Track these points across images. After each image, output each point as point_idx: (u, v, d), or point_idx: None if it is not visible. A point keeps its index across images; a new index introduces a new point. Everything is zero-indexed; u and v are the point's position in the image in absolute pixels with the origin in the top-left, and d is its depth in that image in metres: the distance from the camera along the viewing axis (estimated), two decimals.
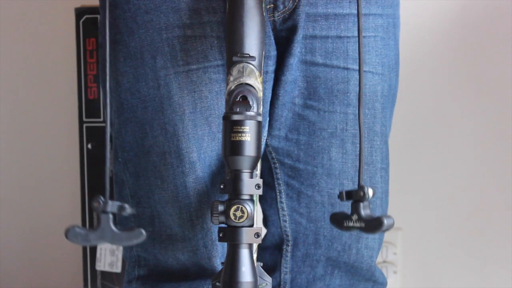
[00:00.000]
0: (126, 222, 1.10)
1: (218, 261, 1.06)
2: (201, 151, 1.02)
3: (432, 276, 1.90)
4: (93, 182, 1.76)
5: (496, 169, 1.82)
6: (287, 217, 1.14)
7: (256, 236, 0.86)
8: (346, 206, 1.09)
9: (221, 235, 0.87)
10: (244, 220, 0.85)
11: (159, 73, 1.01)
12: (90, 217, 1.77)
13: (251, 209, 0.85)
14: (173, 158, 1.02)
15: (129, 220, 1.10)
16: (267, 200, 1.16)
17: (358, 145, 1.08)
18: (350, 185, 1.09)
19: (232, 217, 0.85)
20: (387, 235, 1.16)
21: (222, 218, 0.86)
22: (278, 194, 1.13)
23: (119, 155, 1.08)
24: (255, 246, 0.91)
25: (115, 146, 1.09)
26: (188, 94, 1.01)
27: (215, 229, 1.03)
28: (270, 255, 1.15)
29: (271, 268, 1.15)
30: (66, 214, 1.99)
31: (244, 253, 0.86)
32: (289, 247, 1.15)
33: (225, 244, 1.04)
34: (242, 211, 0.85)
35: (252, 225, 0.86)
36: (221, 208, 0.86)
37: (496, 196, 1.83)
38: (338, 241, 1.12)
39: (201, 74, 1.01)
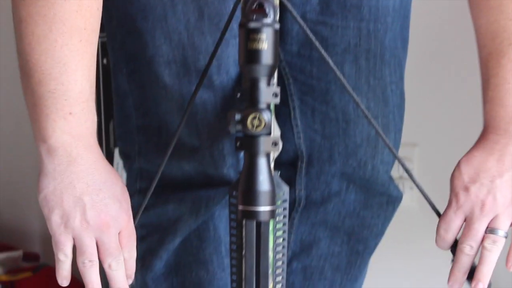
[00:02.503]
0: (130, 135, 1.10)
1: (225, 170, 1.06)
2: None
3: (448, 191, 1.89)
4: (108, 98, 1.75)
5: None
6: (301, 133, 1.14)
7: (273, 145, 0.86)
8: (360, 123, 1.09)
9: (238, 144, 0.87)
10: (261, 129, 0.85)
11: None
12: (106, 132, 1.77)
13: (268, 118, 0.85)
14: (178, 67, 1.00)
15: (134, 131, 1.09)
16: (281, 116, 1.15)
17: (371, 61, 1.07)
18: (364, 102, 1.08)
19: (249, 126, 0.84)
20: (403, 151, 1.15)
21: (239, 127, 0.85)
22: (292, 110, 1.13)
23: (123, 66, 1.07)
24: (272, 156, 0.90)
25: (118, 58, 1.07)
26: (193, 1, 0.99)
27: (222, 139, 1.03)
28: (285, 172, 1.14)
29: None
30: None
31: (262, 162, 0.86)
32: (304, 164, 1.15)
33: (233, 154, 1.04)
34: (259, 120, 0.84)
35: (269, 134, 0.86)
36: (238, 117, 0.85)
37: None
38: (353, 158, 1.12)
39: None
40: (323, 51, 0.89)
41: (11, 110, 2.01)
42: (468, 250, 0.97)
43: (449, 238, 0.99)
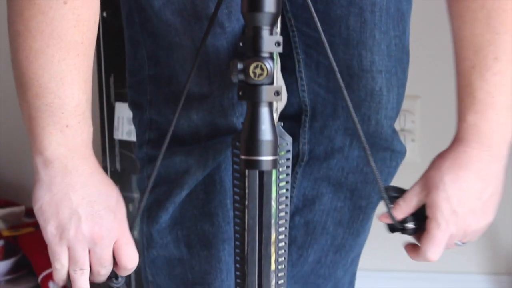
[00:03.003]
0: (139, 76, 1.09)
1: (235, 119, 1.05)
2: (223, 5, 0.99)
3: (450, 143, 1.89)
4: (108, 52, 1.74)
5: None
6: (305, 87, 1.13)
7: (276, 94, 0.85)
8: (364, 77, 1.08)
9: (240, 93, 0.86)
10: (263, 78, 0.84)
11: None
12: (107, 86, 1.76)
13: (270, 67, 0.84)
14: (190, 15, 0.99)
15: (146, 81, 1.09)
16: (287, 70, 1.14)
17: (377, 14, 1.05)
18: (368, 56, 1.07)
19: (252, 74, 0.84)
20: (405, 104, 1.15)
21: (241, 76, 0.85)
22: (296, 63, 1.12)
23: (135, 16, 1.06)
24: (275, 106, 0.90)
25: (131, 8, 1.06)
26: None
27: (233, 87, 1.02)
28: (289, 127, 1.14)
29: None
30: None
31: (264, 112, 0.85)
32: (307, 117, 1.14)
33: (242, 103, 1.04)
34: (262, 69, 0.84)
35: (272, 83, 0.85)
36: (240, 66, 0.84)
37: None
38: (357, 112, 1.11)
39: None
40: (317, 22, 0.89)
41: (10, 71, 2.00)
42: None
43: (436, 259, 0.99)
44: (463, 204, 0.94)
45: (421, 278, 1.95)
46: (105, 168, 1.75)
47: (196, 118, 1.07)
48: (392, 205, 0.98)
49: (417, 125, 1.91)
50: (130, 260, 0.95)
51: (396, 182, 1.24)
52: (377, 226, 1.27)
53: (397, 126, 1.19)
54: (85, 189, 0.91)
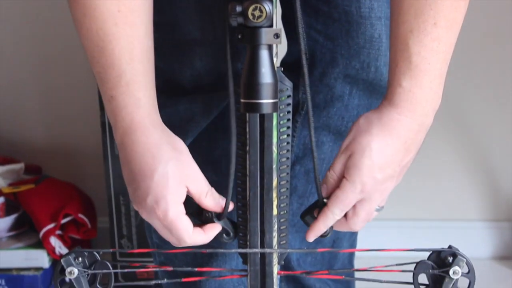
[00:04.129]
0: None
1: (239, 65, 1.05)
2: None
3: (449, 92, 1.88)
4: None
5: None
6: (304, 34, 1.12)
7: (275, 37, 0.85)
8: (363, 24, 1.07)
9: (239, 36, 0.85)
10: (262, 20, 0.83)
11: None
12: None
13: (269, 9, 0.83)
14: None
15: None
16: (285, 17, 1.14)
17: None
18: (367, 2, 1.07)
19: (250, 16, 0.83)
20: None
21: (240, 19, 0.84)
22: (296, 10, 1.11)
23: None
24: (275, 50, 0.89)
25: None
26: None
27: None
28: (288, 75, 1.14)
29: None
30: None
31: (264, 54, 0.85)
32: (307, 65, 1.14)
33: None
34: (261, 10, 0.83)
35: (271, 26, 0.84)
36: (239, 8, 0.84)
37: None
38: (356, 59, 1.10)
39: None
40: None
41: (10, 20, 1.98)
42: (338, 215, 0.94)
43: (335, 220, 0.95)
44: (384, 170, 0.91)
45: (422, 226, 1.96)
46: (103, 122, 1.74)
47: (200, 65, 1.06)
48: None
49: None
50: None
51: None
52: None
53: None
54: (128, 166, 0.91)
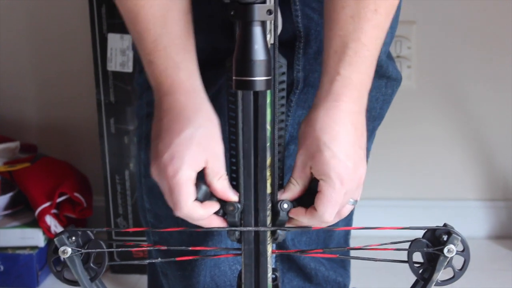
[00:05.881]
0: None
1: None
2: None
3: (446, 69, 1.89)
4: None
5: None
6: (299, 11, 1.11)
7: (268, 13, 0.84)
8: None
9: (232, 12, 0.85)
10: None
11: None
12: (99, 16, 1.74)
13: None
14: None
15: None
16: None
17: None
18: None
19: None
20: (401, 30, 1.13)
21: None
22: None
23: None
24: (269, 27, 0.88)
25: None
26: None
27: None
28: (283, 53, 1.13)
29: None
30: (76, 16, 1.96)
31: (257, 31, 0.84)
32: (302, 43, 1.13)
33: None
34: None
35: (264, 2, 0.83)
36: None
37: None
38: None
39: None
40: None
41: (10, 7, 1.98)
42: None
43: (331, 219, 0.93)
44: (350, 157, 0.90)
45: (418, 205, 1.97)
46: (99, 100, 1.74)
47: (196, 41, 1.05)
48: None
49: (413, 51, 1.89)
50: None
51: (392, 110, 1.23)
52: (374, 156, 1.26)
53: (392, 52, 1.17)
54: (159, 123, 0.92)
